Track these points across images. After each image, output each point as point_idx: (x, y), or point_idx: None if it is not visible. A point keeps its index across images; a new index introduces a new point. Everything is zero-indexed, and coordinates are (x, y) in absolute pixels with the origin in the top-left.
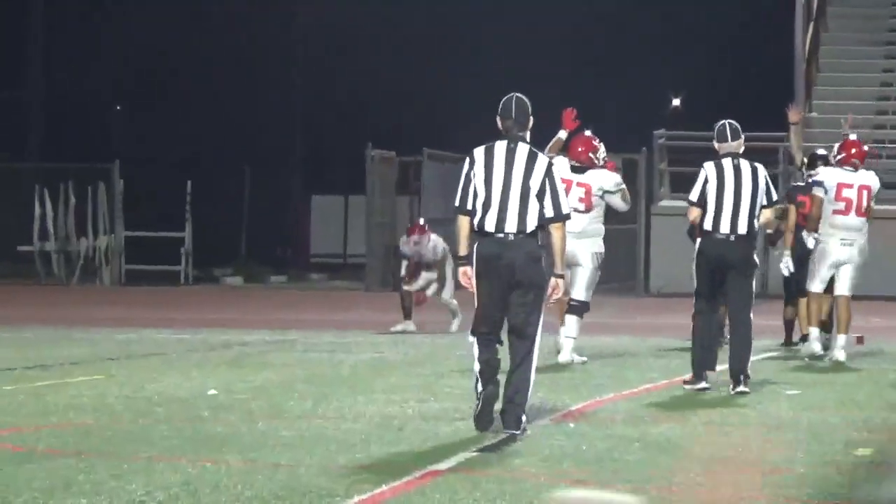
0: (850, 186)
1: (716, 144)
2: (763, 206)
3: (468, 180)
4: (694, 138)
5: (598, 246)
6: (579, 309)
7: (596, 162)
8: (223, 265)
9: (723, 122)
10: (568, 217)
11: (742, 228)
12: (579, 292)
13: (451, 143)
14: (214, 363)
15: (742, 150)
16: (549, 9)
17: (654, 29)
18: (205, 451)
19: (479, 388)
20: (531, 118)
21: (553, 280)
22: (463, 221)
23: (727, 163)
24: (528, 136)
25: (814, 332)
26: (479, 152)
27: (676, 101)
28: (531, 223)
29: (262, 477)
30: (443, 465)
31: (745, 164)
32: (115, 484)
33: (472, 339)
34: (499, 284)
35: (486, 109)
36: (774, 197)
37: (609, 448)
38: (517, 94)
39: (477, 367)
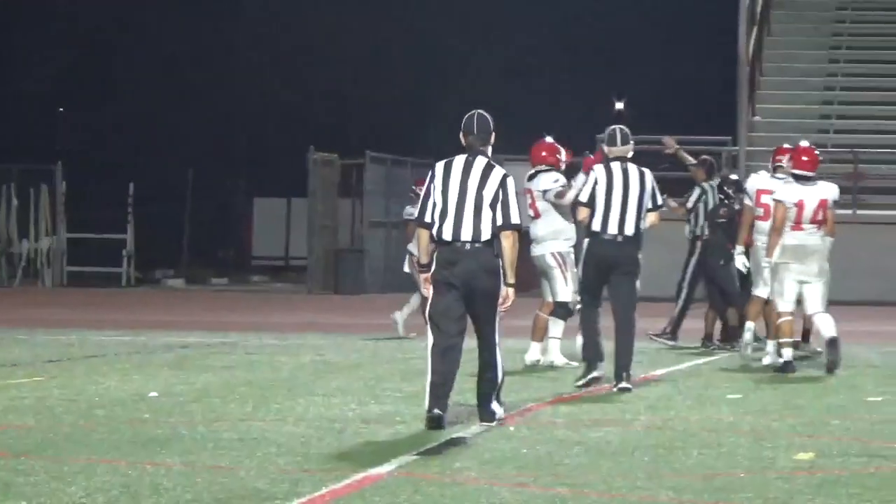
0: (769, 193)
1: (605, 148)
2: (649, 210)
3: (428, 194)
4: (637, 142)
5: (559, 245)
6: (558, 310)
7: (561, 164)
8: (165, 267)
9: (613, 126)
10: (517, 227)
11: (629, 230)
12: (557, 294)
13: (393, 145)
14: (155, 365)
15: (631, 154)
16: (494, 11)
17: (598, 32)
18: (145, 453)
19: (428, 400)
20: (493, 134)
21: (503, 290)
22: (422, 233)
23: (616, 166)
24: (489, 150)
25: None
26: (439, 166)
27: (620, 105)
28: (486, 232)
29: (202, 479)
30: (383, 469)
31: (633, 169)
32: (54, 486)
33: (429, 336)
34: (453, 290)
35: (429, 112)
36: (660, 201)
37: (549, 452)
38: (479, 111)
39: (429, 357)
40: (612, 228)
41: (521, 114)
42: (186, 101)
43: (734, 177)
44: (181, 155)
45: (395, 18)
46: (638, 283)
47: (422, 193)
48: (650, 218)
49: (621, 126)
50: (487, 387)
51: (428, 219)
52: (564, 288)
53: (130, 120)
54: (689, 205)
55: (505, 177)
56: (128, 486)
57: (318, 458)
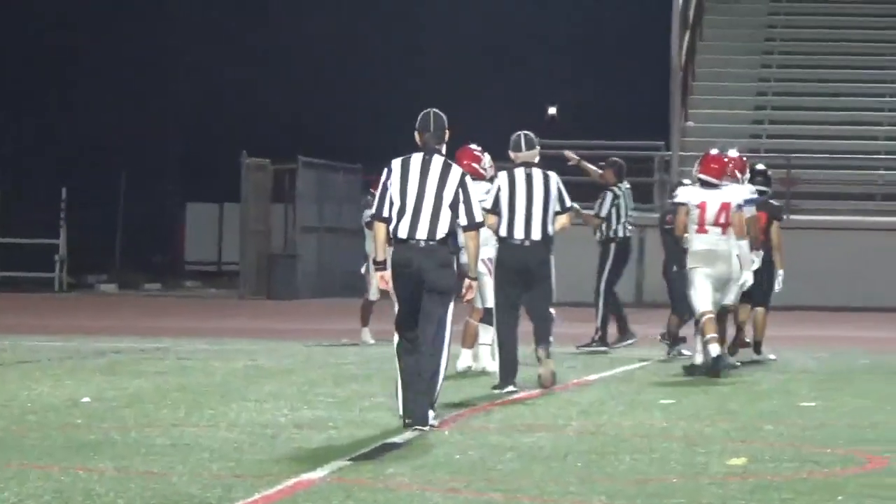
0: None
1: (511, 154)
2: (557, 213)
3: (385, 189)
4: (570, 147)
5: (488, 252)
6: (488, 317)
7: (483, 173)
8: (98, 272)
9: (518, 132)
10: (481, 225)
11: (536, 234)
12: (486, 301)
13: (325, 150)
14: (88, 371)
15: (537, 159)
16: (426, 13)
17: (530, 36)
18: (77, 458)
19: (401, 391)
20: (447, 132)
21: (466, 281)
22: (380, 228)
23: (519, 172)
24: (443, 148)
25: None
26: (396, 163)
27: (552, 110)
28: (441, 231)
29: (135, 485)
30: (315, 474)
31: (537, 173)
32: None
33: (396, 340)
34: (411, 288)
35: (361, 118)
36: (568, 203)
37: (482, 457)
38: (434, 110)
39: (399, 373)
40: (519, 233)
41: (451, 120)
42: (119, 106)
43: (760, 167)
44: (114, 159)
45: (327, 24)
46: (553, 285)
47: (378, 191)
48: (560, 221)
49: (526, 132)
50: (427, 390)
51: (386, 214)
52: (485, 297)
53: (62, 124)
54: (603, 213)
55: (463, 175)
56: (60, 491)
57: (251, 464)
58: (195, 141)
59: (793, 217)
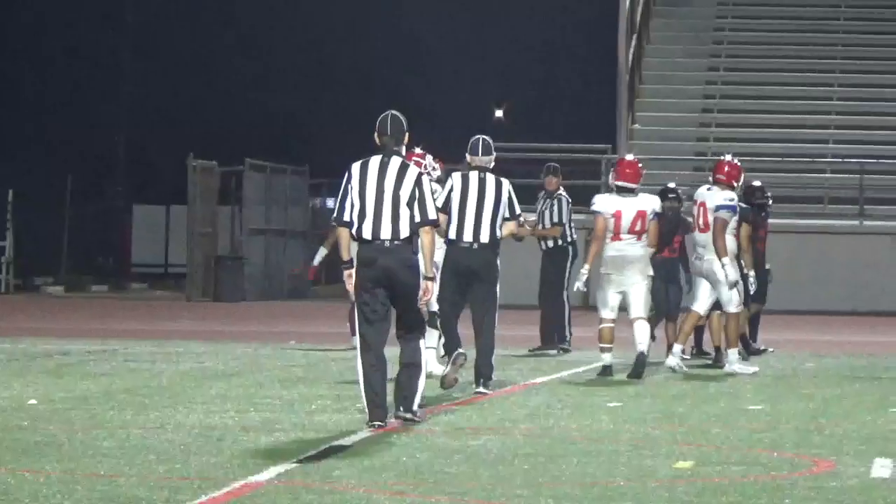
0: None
1: (468, 157)
2: (506, 219)
3: (346, 193)
4: (516, 150)
5: (436, 255)
6: (432, 320)
7: (430, 174)
8: (44, 274)
9: (477, 136)
10: (434, 222)
11: (484, 237)
12: (431, 304)
13: (272, 152)
14: (35, 373)
15: (492, 165)
16: (373, 15)
17: (478, 38)
18: (24, 460)
19: (363, 388)
20: (406, 134)
21: (423, 283)
22: (342, 232)
23: (474, 175)
24: (402, 150)
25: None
26: (355, 166)
27: (499, 113)
28: (404, 230)
29: (82, 487)
30: (262, 477)
31: (490, 178)
32: None
33: (356, 340)
34: (373, 286)
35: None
36: (517, 211)
37: (429, 459)
38: (392, 112)
39: (360, 368)
40: (468, 236)
41: (413, 125)
42: (66, 107)
43: (757, 183)
44: (60, 162)
45: (274, 27)
46: (498, 289)
47: (339, 194)
48: (507, 227)
49: (485, 136)
50: (408, 385)
51: (347, 218)
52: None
53: (8, 125)
54: (564, 219)
55: (420, 175)
56: (7, 493)
57: (198, 466)
58: (142, 143)
59: None
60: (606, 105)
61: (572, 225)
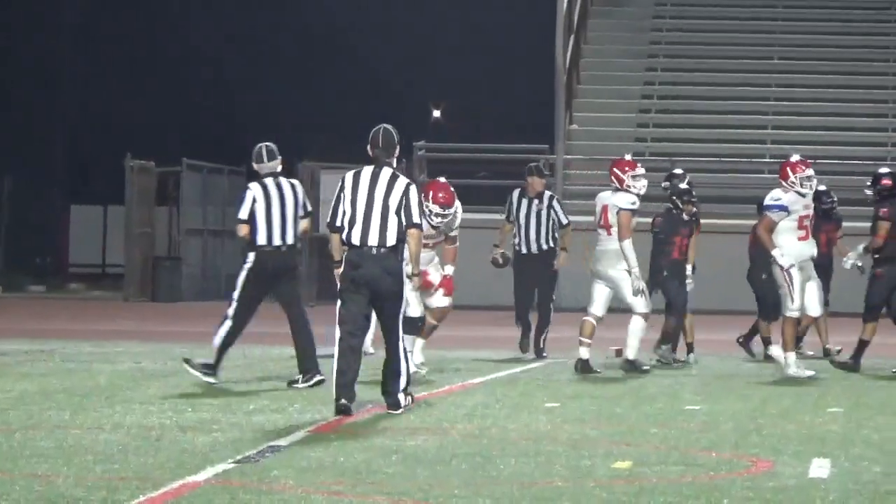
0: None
1: (255, 166)
2: (301, 217)
3: (338, 201)
4: (455, 150)
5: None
6: (406, 326)
7: None
8: None
9: (259, 145)
10: (418, 226)
11: (290, 239)
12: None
13: (210, 153)
14: None
15: (280, 168)
16: (312, 13)
17: (415, 38)
18: None
19: (335, 377)
20: (397, 147)
21: (406, 279)
22: (334, 237)
23: (270, 182)
24: (394, 162)
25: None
26: (348, 176)
27: (437, 113)
28: (391, 238)
29: (20, 487)
30: (200, 477)
31: (284, 182)
32: None
33: (337, 332)
34: (362, 291)
35: (246, 120)
36: (309, 209)
37: (367, 460)
38: (385, 126)
39: (336, 361)
40: (276, 240)
41: (332, 122)
42: (3, 108)
43: (823, 187)
44: None
45: (213, 27)
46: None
47: (333, 201)
48: (302, 225)
49: (268, 143)
50: (391, 378)
51: (339, 223)
52: (414, 303)
53: None
54: (566, 220)
55: (408, 185)
56: None
57: (136, 466)
58: (79, 143)
59: None
60: (544, 105)
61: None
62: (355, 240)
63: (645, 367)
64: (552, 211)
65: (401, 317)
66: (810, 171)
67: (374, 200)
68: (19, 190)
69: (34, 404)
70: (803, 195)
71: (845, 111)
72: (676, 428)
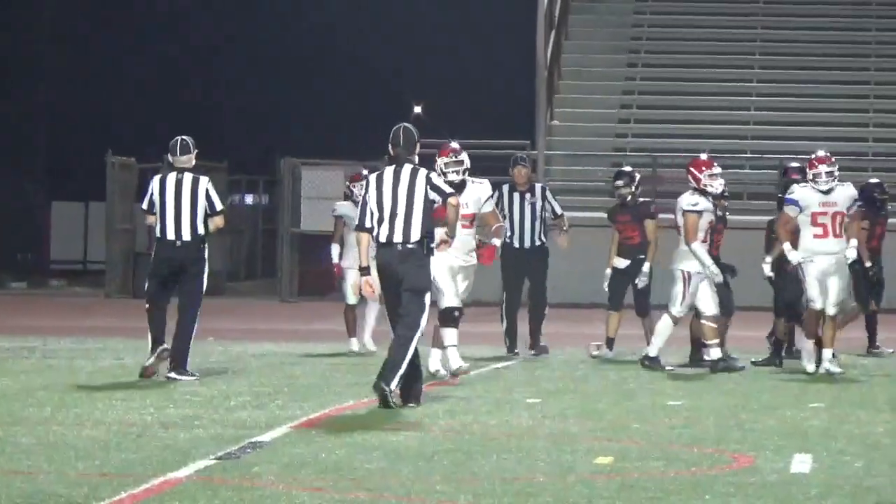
0: None
1: (169, 158)
2: (211, 215)
3: (364, 202)
4: (436, 146)
5: (452, 256)
6: (446, 318)
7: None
8: None
9: (176, 138)
10: (453, 194)
11: (186, 234)
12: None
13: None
14: None
15: (192, 164)
16: (292, 10)
17: (395, 32)
18: None
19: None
20: (418, 145)
21: (441, 234)
22: (362, 237)
23: (171, 177)
24: (415, 159)
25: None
26: (372, 178)
27: (418, 109)
28: (416, 233)
29: (1, 484)
30: (181, 473)
31: (187, 178)
32: None
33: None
34: (392, 287)
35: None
36: (218, 207)
37: (348, 456)
38: (405, 125)
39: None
40: (169, 234)
41: (314, 120)
42: None
43: (875, 180)
44: None
45: (190, 19)
46: (205, 283)
47: (359, 204)
48: (215, 221)
49: (184, 137)
50: (389, 367)
51: (368, 224)
52: (451, 293)
53: None
54: (559, 211)
55: (427, 175)
56: None
57: (117, 463)
58: (60, 139)
59: (659, 216)
60: (525, 101)
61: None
62: (382, 238)
63: (669, 368)
64: (546, 202)
65: (422, 312)
66: (717, 170)
67: (398, 198)
68: (0, 186)
69: (15, 401)
70: (710, 194)
71: (828, 107)
72: (658, 423)
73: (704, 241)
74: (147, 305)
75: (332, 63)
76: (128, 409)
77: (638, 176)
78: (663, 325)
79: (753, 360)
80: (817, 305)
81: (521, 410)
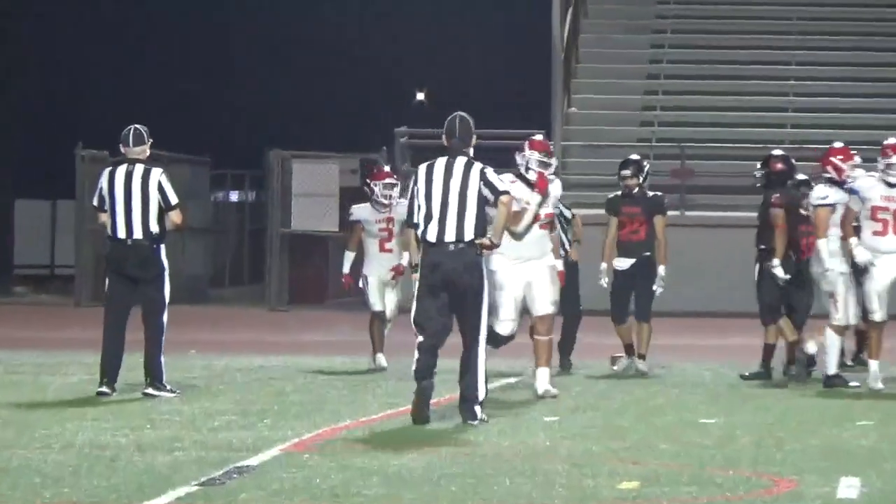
0: None
1: (122, 149)
2: (167, 210)
3: (412, 197)
4: (439, 136)
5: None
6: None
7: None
8: None
9: (129, 127)
10: (506, 192)
11: (138, 232)
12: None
13: (170, 141)
14: None
15: (146, 155)
16: None
17: (397, 15)
18: None
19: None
20: (474, 136)
21: (484, 240)
22: (410, 234)
23: (121, 169)
24: (471, 151)
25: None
26: (421, 169)
27: (421, 95)
28: (469, 232)
29: None
30: (160, 501)
31: (138, 168)
32: None
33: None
34: (438, 289)
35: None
36: (173, 200)
37: (345, 481)
38: (460, 114)
39: (414, 366)
40: (121, 232)
41: (308, 107)
42: None
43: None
44: None
45: (170, 4)
46: (166, 288)
47: (407, 197)
48: (171, 217)
49: (137, 126)
50: (468, 390)
51: (415, 220)
52: (546, 300)
53: None
54: (569, 215)
55: (483, 169)
56: None
57: (88, 490)
58: (25, 132)
59: (688, 213)
60: (539, 86)
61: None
62: (431, 237)
63: (854, 384)
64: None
65: (483, 317)
66: (857, 160)
67: (449, 194)
68: None
69: None
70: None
71: (876, 91)
72: (689, 443)
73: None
74: (104, 315)
75: (325, 46)
76: (100, 429)
77: (647, 165)
78: (831, 340)
79: (742, 374)
80: (877, 317)
81: (536, 429)
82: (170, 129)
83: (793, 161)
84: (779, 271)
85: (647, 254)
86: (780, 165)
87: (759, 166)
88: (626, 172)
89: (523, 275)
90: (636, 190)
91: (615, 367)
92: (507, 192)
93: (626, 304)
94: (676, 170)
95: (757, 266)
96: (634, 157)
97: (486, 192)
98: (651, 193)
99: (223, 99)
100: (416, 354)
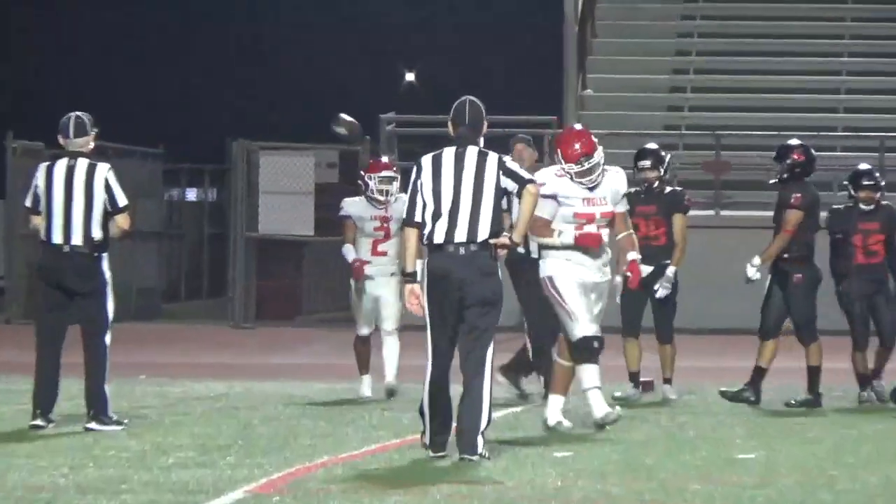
0: None
1: (60, 141)
2: (114, 213)
3: (415, 190)
4: (433, 124)
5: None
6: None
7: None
8: None
9: (69, 115)
10: (532, 181)
11: (77, 238)
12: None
13: (117, 131)
14: None
15: (90, 147)
16: None
17: None
18: None
19: (427, 419)
20: (485, 123)
21: (503, 238)
22: (410, 234)
23: (61, 164)
24: (481, 141)
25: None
26: (426, 160)
27: (411, 76)
28: (483, 232)
29: None
30: None
31: (82, 163)
32: None
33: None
34: (448, 303)
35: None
36: (121, 202)
37: None
38: (470, 98)
39: (426, 404)
40: (57, 237)
41: (295, 91)
42: None
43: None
44: None
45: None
46: (110, 303)
47: (408, 191)
48: (117, 221)
49: (79, 114)
50: (468, 418)
51: (418, 218)
52: (585, 319)
53: None
54: None
55: (500, 159)
56: None
57: None
58: None
59: (723, 213)
60: (550, 65)
61: None
62: (438, 237)
63: None
64: None
65: (491, 336)
66: None
67: (461, 188)
68: None
69: None
70: None
71: None
72: (725, 483)
73: None
74: (36, 335)
75: (296, 17)
76: (35, 468)
77: (668, 156)
78: None
79: (721, 389)
80: None
81: (546, 467)
82: (116, 118)
83: (813, 152)
84: (751, 272)
85: (668, 262)
86: (798, 155)
87: (774, 159)
88: (645, 164)
89: (587, 284)
90: (656, 185)
91: (617, 395)
92: (533, 181)
93: (639, 316)
94: (710, 162)
95: (776, 278)
96: (652, 145)
97: (507, 183)
98: (669, 189)
99: (178, 81)
100: (426, 387)
